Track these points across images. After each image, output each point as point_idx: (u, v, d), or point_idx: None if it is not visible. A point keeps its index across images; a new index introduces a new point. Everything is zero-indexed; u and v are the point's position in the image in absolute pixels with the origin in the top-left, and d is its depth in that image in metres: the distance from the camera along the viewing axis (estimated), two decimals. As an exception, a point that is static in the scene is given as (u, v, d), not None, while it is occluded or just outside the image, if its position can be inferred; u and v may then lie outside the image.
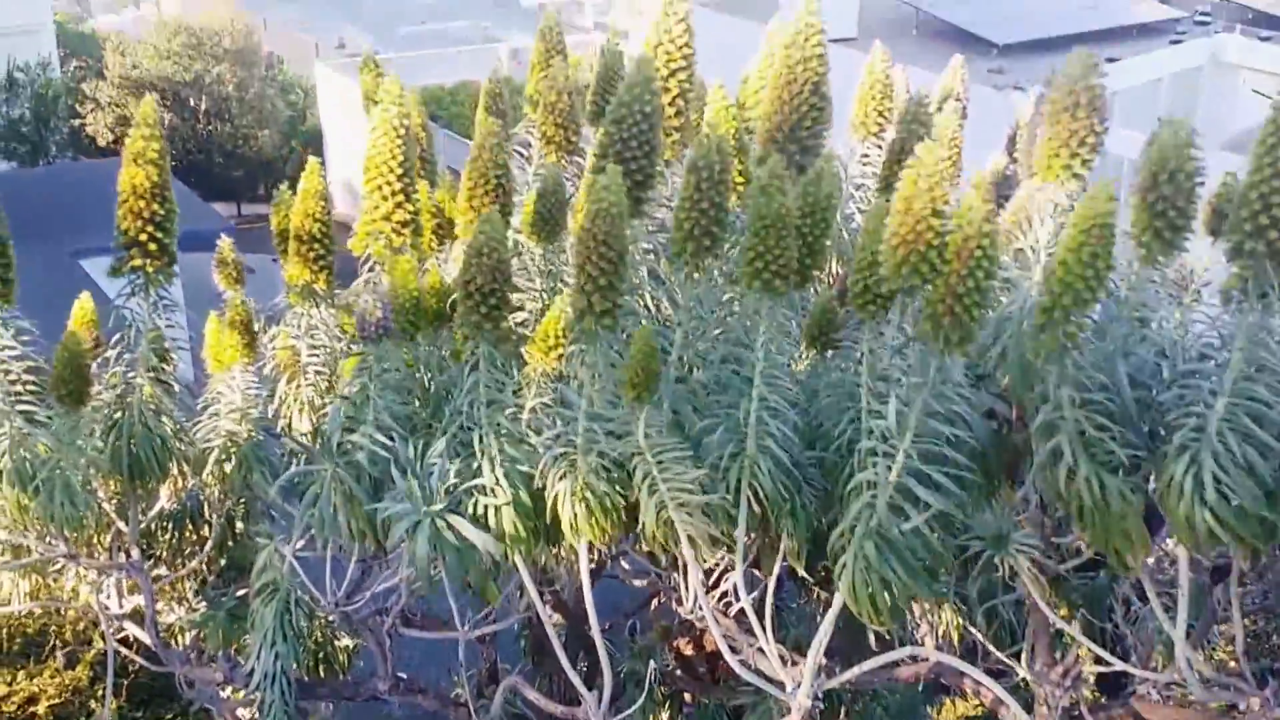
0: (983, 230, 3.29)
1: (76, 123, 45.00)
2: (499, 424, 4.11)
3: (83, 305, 5.23)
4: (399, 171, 4.23)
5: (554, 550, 4.49)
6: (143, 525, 5.54)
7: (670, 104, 4.57)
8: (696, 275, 4.05)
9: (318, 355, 5.15)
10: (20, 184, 39.38)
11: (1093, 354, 3.53)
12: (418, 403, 4.49)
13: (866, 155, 5.27)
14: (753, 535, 4.21)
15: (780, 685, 4.30)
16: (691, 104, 4.95)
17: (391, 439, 4.24)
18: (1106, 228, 3.25)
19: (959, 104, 6.35)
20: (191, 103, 48.18)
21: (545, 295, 4.58)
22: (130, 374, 4.93)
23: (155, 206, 4.43)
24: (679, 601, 4.87)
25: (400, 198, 4.26)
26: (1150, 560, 4.04)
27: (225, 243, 5.33)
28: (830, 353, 4.27)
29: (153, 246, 4.45)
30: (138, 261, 4.46)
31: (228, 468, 5.16)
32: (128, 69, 45.37)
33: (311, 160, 4.87)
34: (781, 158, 3.81)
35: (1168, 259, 3.45)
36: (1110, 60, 28.55)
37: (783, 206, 3.71)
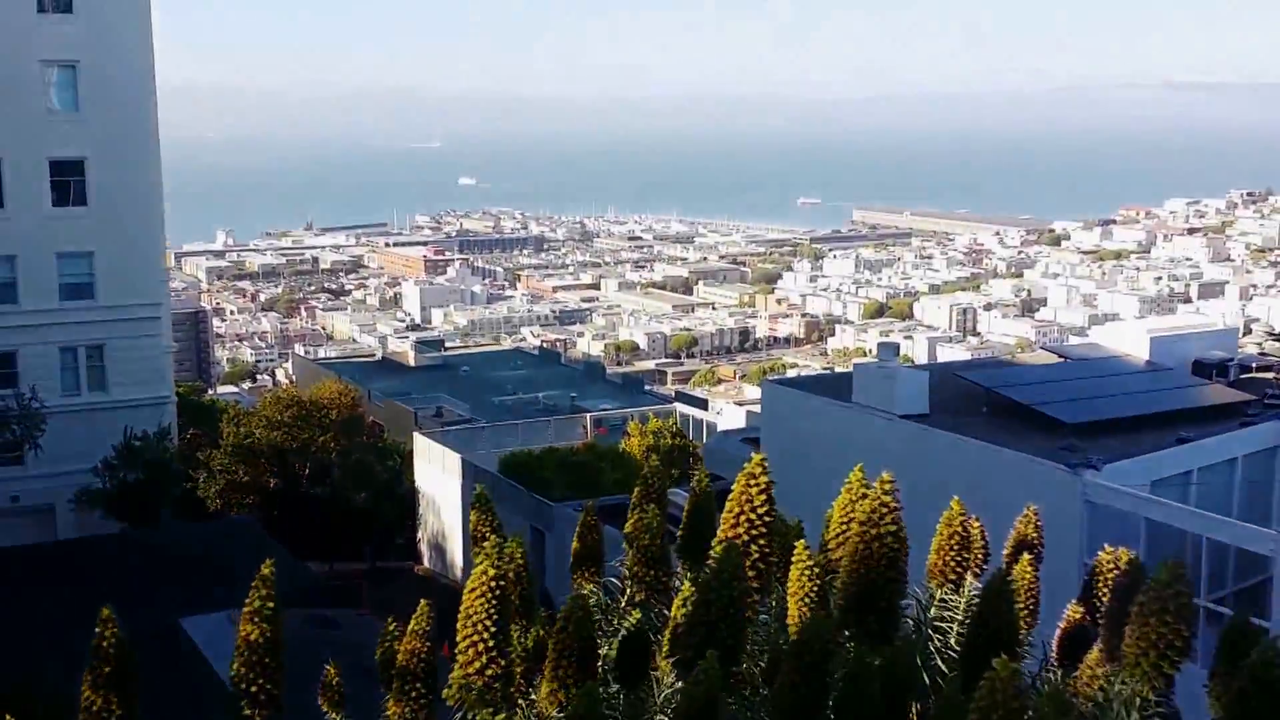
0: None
1: (189, 485, 47.23)
2: None
3: None
4: (492, 629, 4.64)
5: None
6: None
7: (750, 567, 5.22)
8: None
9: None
10: (130, 545, 41.22)
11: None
12: None
13: (944, 601, 5.74)
14: None
15: None
16: (773, 547, 5.52)
17: None
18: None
19: (1036, 550, 6.65)
20: (295, 467, 50.29)
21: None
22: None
23: (268, 660, 4.82)
24: None
25: (493, 653, 4.63)
26: None
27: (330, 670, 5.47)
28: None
29: (262, 697, 4.83)
30: (247, 711, 4.82)
31: None
32: (240, 438, 47.92)
33: (421, 605, 5.06)
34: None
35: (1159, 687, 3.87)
36: (1182, 440, 29.30)
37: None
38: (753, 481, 5.32)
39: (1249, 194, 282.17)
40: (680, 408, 58.99)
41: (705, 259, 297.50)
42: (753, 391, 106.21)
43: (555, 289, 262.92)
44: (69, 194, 47.86)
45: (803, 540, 5.84)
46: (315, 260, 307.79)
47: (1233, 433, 30.21)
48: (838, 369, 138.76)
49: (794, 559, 5.75)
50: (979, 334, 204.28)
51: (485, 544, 5.08)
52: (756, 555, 5.30)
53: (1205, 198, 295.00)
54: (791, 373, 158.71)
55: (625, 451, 48.09)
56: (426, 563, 52.66)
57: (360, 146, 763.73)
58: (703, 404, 65.43)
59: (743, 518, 5.28)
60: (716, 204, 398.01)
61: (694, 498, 6.05)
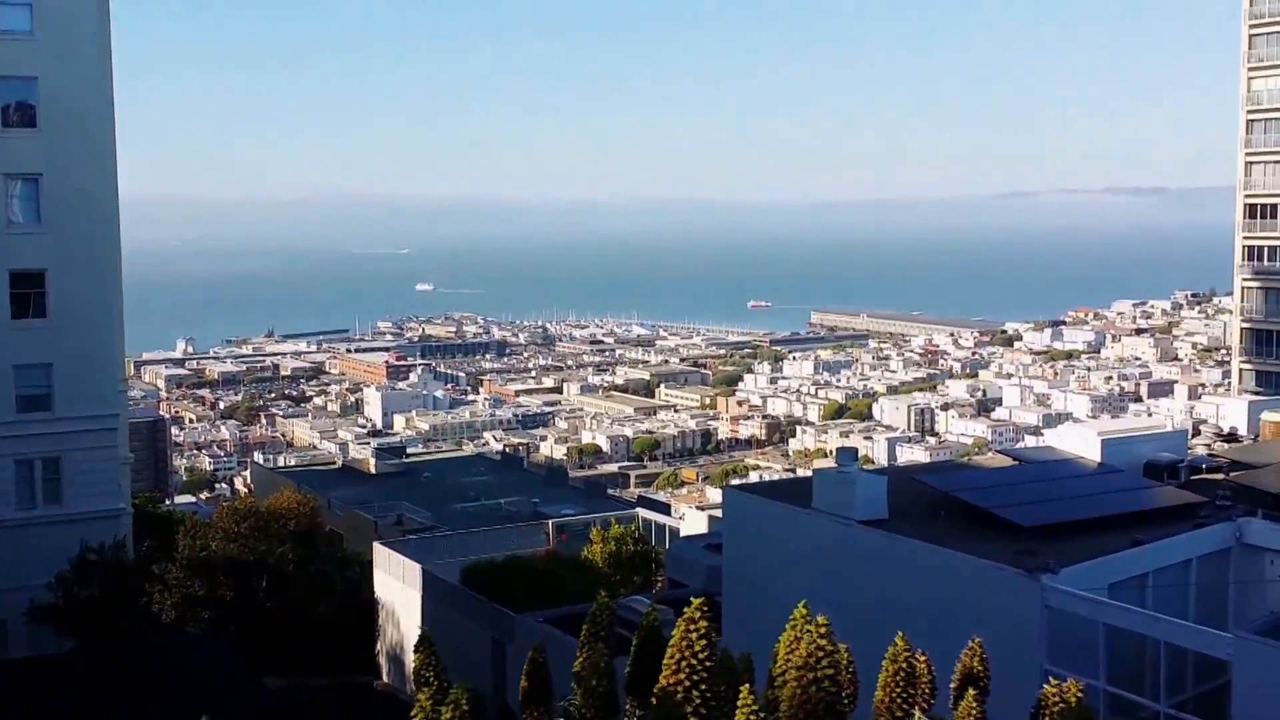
0: None
1: (144, 600, 46.42)
2: None
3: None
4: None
5: None
6: None
7: (693, 713, 5.45)
8: None
9: None
10: (84, 662, 40.42)
11: None
12: None
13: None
14: None
15: None
16: (715, 690, 5.77)
17: None
18: None
19: (982, 684, 6.96)
20: (253, 579, 49.58)
21: None
22: None
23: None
24: None
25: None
26: None
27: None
28: None
29: None
30: None
31: None
32: (196, 551, 47.33)
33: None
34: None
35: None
36: (1137, 543, 29.65)
37: None
38: (692, 627, 5.58)
39: (1193, 295, 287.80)
40: (642, 513, 58.94)
41: (666, 361, 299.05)
42: (715, 494, 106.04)
43: (517, 393, 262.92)
44: (29, 306, 47.79)
45: (747, 685, 6.05)
46: (276, 367, 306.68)
47: (1186, 535, 30.59)
48: (799, 470, 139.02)
49: (739, 703, 5.94)
50: (937, 434, 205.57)
51: (422, 694, 5.26)
52: (699, 700, 5.52)
53: (1151, 299, 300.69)
54: (754, 474, 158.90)
55: (588, 559, 47.92)
56: (386, 676, 51.84)
57: (328, 254, 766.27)
58: (665, 509, 65.38)
59: (683, 663, 5.53)
60: (673, 307, 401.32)
61: (642, 631, 6.31)
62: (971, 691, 6.59)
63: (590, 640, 6.33)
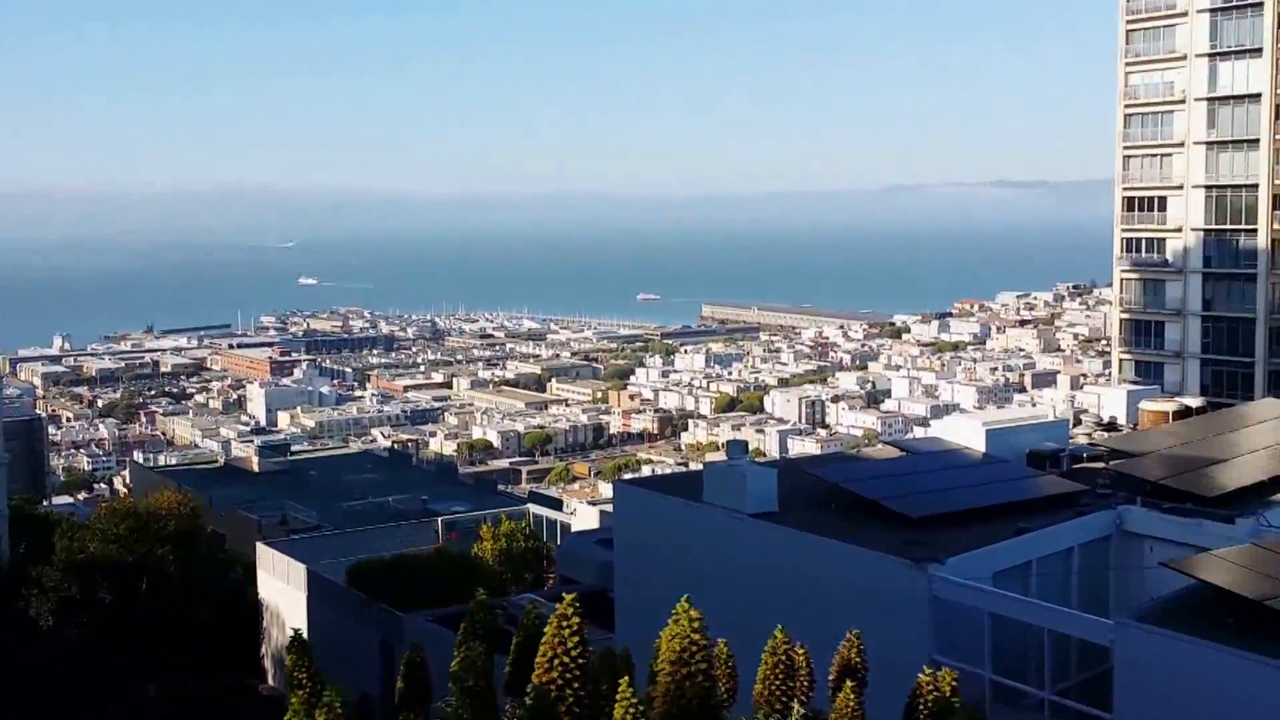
0: None
1: (20, 604, 44.79)
2: None
3: None
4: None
5: None
6: None
7: (565, 712, 5.19)
8: None
9: None
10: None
11: None
12: None
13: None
14: None
15: None
16: (590, 688, 5.54)
17: None
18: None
19: (860, 676, 6.84)
20: (133, 584, 48.25)
21: None
22: None
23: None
24: None
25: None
26: None
27: None
28: None
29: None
30: None
31: None
32: (74, 553, 45.78)
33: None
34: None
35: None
36: (1020, 531, 30.07)
37: None
38: (565, 624, 5.32)
39: (1075, 287, 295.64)
40: (533, 509, 58.51)
41: (558, 355, 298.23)
42: (608, 489, 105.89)
43: (406, 388, 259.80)
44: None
45: (625, 680, 5.81)
46: (156, 364, 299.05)
47: (1068, 523, 31.11)
48: (691, 463, 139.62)
49: (618, 697, 5.73)
50: (828, 426, 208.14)
51: (294, 697, 4.90)
52: (572, 699, 5.31)
53: (1035, 291, 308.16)
54: (646, 468, 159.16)
55: (478, 557, 47.35)
56: (271, 680, 50.69)
57: (211, 248, 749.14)
58: (557, 504, 65.00)
59: (556, 661, 5.28)
60: (565, 300, 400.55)
61: (523, 630, 6.03)
62: (849, 683, 6.53)
63: (467, 639, 6.02)
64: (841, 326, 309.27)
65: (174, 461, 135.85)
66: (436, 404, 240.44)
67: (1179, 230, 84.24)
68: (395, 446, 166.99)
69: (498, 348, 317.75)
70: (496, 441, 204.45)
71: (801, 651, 11.82)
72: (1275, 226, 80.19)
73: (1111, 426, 44.12)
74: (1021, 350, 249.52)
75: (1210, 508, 31.10)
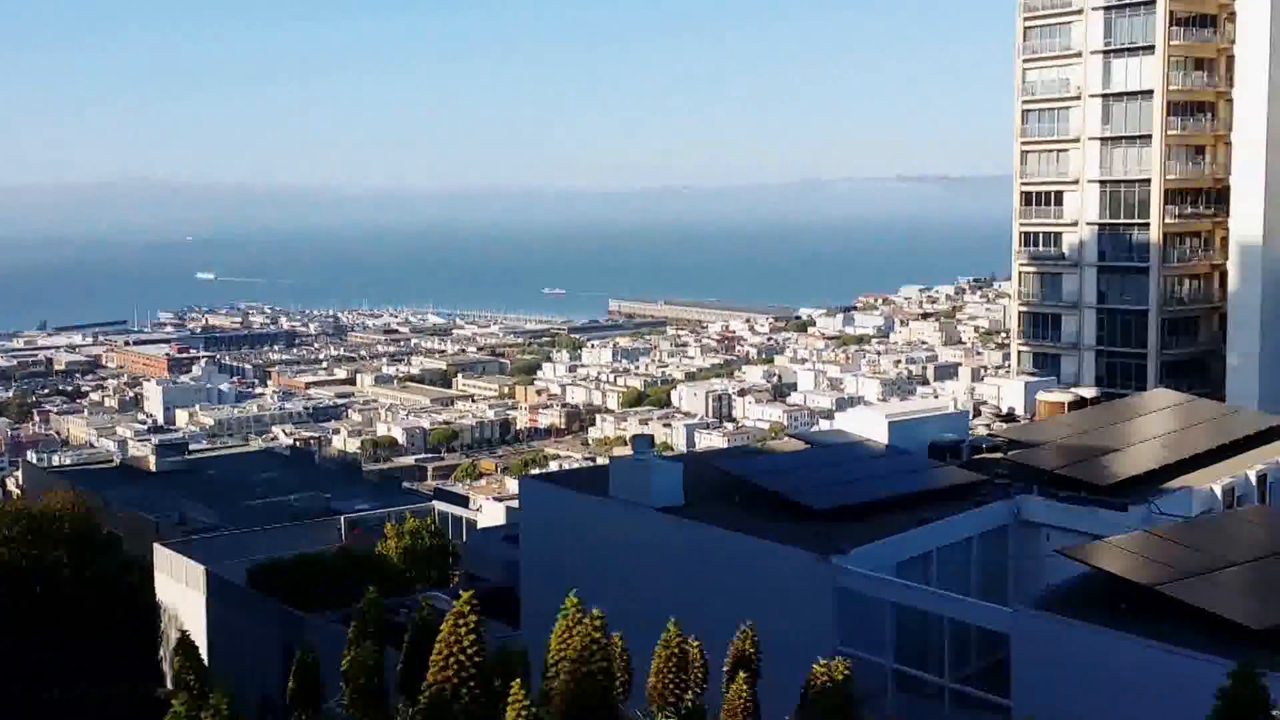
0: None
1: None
2: None
3: None
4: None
5: None
6: None
7: (461, 711, 5.04)
8: None
9: None
10: None
11: None
12: None
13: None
14: None
15: None
16: (485, 687, 5.39)
17: None
18: None
19: (753, 666, 6.80)
20: (26, 587, 46.96)
21: None
22: None
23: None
24: None
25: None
26: None
27: None
28: None
29: None
30: None
31: None
32: (-42, 558, 44.34)
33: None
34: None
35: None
36: (922, 522, 30.45)
37: None
38: (461, 622, 5.16)
39: (975, 280, 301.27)
40: (439, 506, 57.98)
41: (464, 351, 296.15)
42: (514, 485, 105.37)
43: (308, 385, 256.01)
44: None
45: (518, 680, 5.68)
46: (49, 361, 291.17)
47: (968, 513, 31.58)
48: (599, 458, 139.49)
49: (511, 697, 5.65)
50: (735, 419, 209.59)
51: (177, 700, 4.68)
52: (467, 698, 5.17)
53: (937, 284, 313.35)
54: (553, 464, 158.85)
55: (382, 555, 46.77)
56: (170, 684, 49.60)
57: (105, 244, 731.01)
58: (463, 501, 64.45)
59: (452, 660, 5.13)
60: (470, 295, 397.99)
61: (415, 628, 5.86)
62: (741, 674, 6.52)
63: (358, 638, 5.84)
64: (748, 320, 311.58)
65: (69, 461, 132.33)
66: (340, 401, 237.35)
67: (1075, 225, 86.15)
68: (297, 444, 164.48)
69: (402, 343, 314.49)
70: (401, 438, 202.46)
71: (696, 644, 11.89)
72: (1167, 221, 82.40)
73: (1010, 417, 44.93)
74: (924, 343, 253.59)
75: (1104, 496, 31.78)
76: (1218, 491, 32.88)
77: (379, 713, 5.12)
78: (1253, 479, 34.35)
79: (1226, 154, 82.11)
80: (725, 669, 12.74)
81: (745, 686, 7.88)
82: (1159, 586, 24.35)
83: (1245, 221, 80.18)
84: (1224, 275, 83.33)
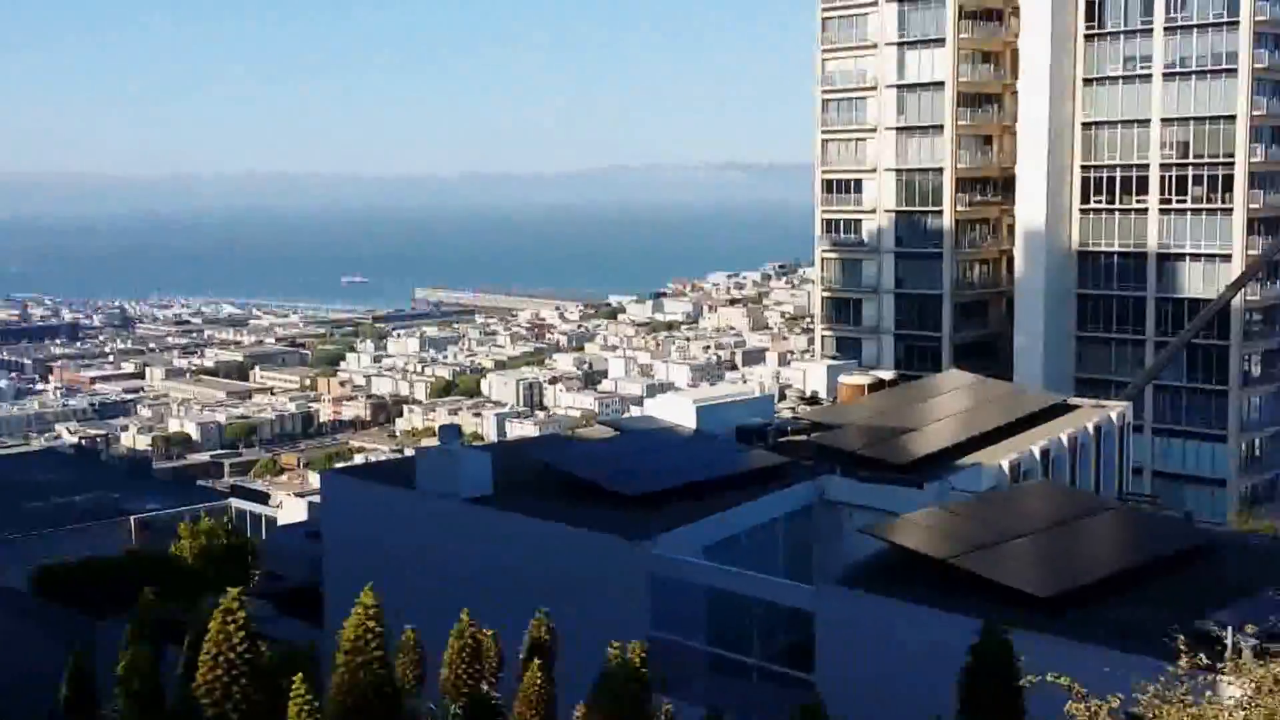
0: None
1: None
2: None
3: None
4: None
5: None
6: None
7: (234, 709, 4.61)
8: None
9: None
10: None
11: None
12: None
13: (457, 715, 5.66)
14: None
15: None
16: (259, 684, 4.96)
17: None
18: None
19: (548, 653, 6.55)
20: None
21: None
22: None
23: None
24: None
25: None
26: None
27: None
28: None
29: None
30: None
31: None
32: None
33: None
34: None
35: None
36: (730, 506, 30.74)
37: None
38: (230, 619, 4.73)
39: (781, 266, 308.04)
40: (236, 503, 56.04)
41: (261, 342, 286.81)
42: (318, 480, 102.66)
43: (93, 380, 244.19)
44: None
45: (300, 675, 5.37)
46: None
47: (774, 495, 32.05)
48: (407, 450, 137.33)
49: (293, 693, 5.36)
50: (546, 408, 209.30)
51: None
52: (239, 696, 4.76)
53: (744, 270, 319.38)
54: (359, 457, 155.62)
55: (177, 556, 44.81)
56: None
57: None
58: (263, 498, 62.44)
59: (221, 658, 4.70)
60: (267, 284, 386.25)
61: (195, 629, 5.43)
62: (536, 661, 6.38)
63: (134, 642, 5.34)
64: (558, 308, 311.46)
65: None
66: (128, 396, 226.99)
67: (874, 212, 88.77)
68: (83, 442, 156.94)
69: (195, 335, 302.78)
70: (196, 434, 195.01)
71: (489, 634, 11.78)
72: (959, 208, 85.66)
73: (814, 400, 45.86)
74: (732, 328, 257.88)
75: (902, 474, 32.71)
76: (1005, 467, 34.21)
77: (156, 716, 4.71)
78: (1036, 454, 35.91)
79: (1012, 144, 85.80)
80: (520, 657, 12.60)
81: (540, 674, 7.71)
82: (952, 560, 25.15)
83: (1029, 209, 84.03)
84: (1011, 261, 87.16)
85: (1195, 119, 79.34)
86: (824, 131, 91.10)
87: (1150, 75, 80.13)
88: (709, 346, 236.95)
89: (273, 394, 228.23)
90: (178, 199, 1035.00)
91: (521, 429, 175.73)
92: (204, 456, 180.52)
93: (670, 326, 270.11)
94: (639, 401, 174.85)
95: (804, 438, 37.44)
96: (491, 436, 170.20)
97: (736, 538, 30.29)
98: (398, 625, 13.60)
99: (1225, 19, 77.39)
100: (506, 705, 12.28)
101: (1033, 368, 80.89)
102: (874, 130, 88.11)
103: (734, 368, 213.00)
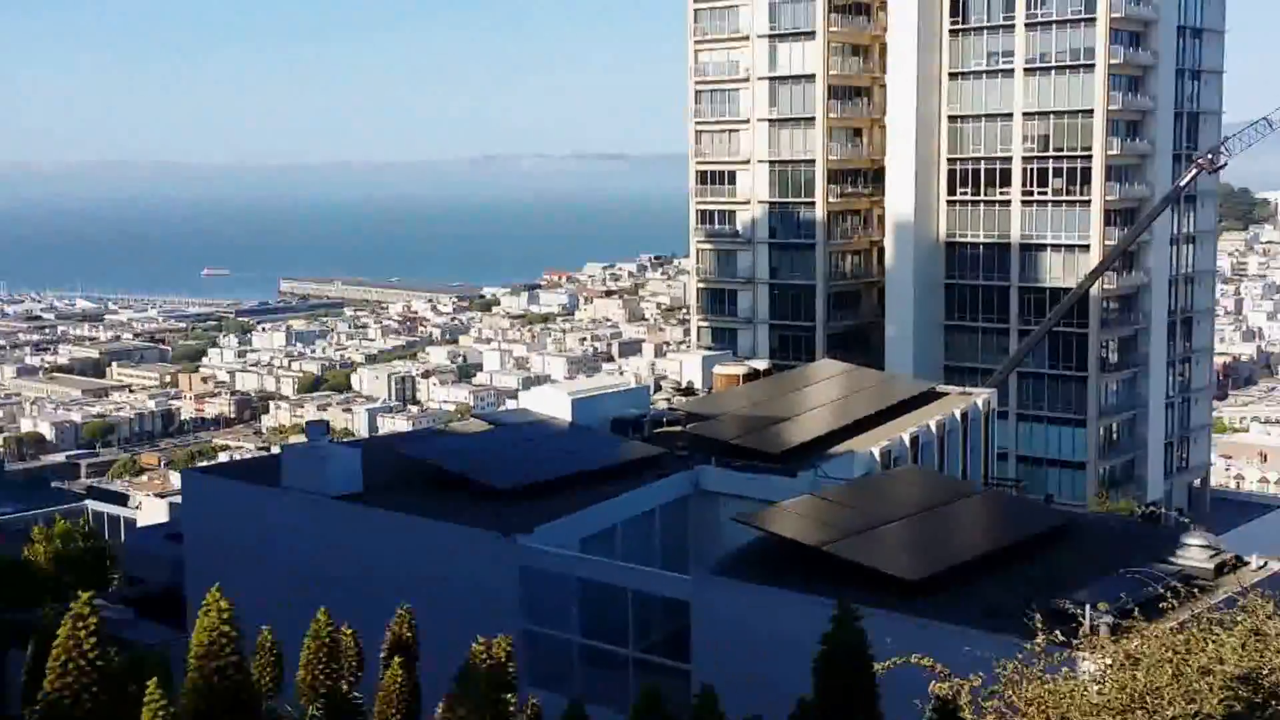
0: None
1: None
2: None
3: None
4: None
5: None
6: None
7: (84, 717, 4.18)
8: None
9: None
10: None
11: None
12: None
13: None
14: None
15: None
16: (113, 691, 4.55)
17: None
18: None
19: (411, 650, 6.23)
20: None
21: None
22: None
23: None
24: None
25: None
26: None
27: None
28: None
29: None
30: None
31: None
32: None
33: None
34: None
35: None
36: (605, 497, 30.52)
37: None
38: (80, 625, 4.35)
39: (657, 258, 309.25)
40: (92, 505, 54.03)
41: (119, 337, 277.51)
42: (179, 479, 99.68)
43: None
44: None
45: (155, 680, 5.03)
46: None
47: (649, 486, 31.92)
48: (274, 448, 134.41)
49: (146, 698, 5.03)
50: (419, 402, 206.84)
51: None
52: (89, 704, 4.39)
53: (620, 261, 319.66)
54: (223, 455, 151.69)
55: (30, 560, 42.94)
56: None
57: None
58: (121, 499, 60.33)
59: (70, 665, 4.33)
60: (124, 278, 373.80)
61: (39, 636, 5.04)
62: (398, 659, 6.17)
63: None
64: (430, 300, 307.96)
65: None
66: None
67: (748, 203, 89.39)
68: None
69: (48, 330, 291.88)
70: (49, 434, 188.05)
71: (348, 632, 11.45)
72: (830, 200, 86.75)
73: (689, 391, 45.92)
74: (609, 320, 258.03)
75: (776, 463, 32.86)
76: (876, 454, 34.63)
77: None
78: (906, 441, 36.45)
79: (882, 137, 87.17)
80: (381, 655, 12.25)
81: (401, 671, 7.46)
82: (825, 546, 25.29)
83: (898, 200, 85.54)
84: (882, 251, 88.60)
85: (1055, 113, 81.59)
86: (697, 123, 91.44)
87: (1012, 70, 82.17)
88: (585, 338, 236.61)
89: (131, 391, 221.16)
90: (14, 188, 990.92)
91: (394, 424, 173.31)
92: (59, 457, 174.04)
93: (546, 319, 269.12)
94: (515, 395, 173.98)
95: (679, 428, 37.41)
96: (363, 432, 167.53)
97: (613, 529, 30.10)
98: (262, 626, 13.16)
99: (1083, 15, 79.69)
100: (370, 705, 11.93)
101: (904, 356, 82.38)
102: (747, 122, 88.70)
103: (610, 359, 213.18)
